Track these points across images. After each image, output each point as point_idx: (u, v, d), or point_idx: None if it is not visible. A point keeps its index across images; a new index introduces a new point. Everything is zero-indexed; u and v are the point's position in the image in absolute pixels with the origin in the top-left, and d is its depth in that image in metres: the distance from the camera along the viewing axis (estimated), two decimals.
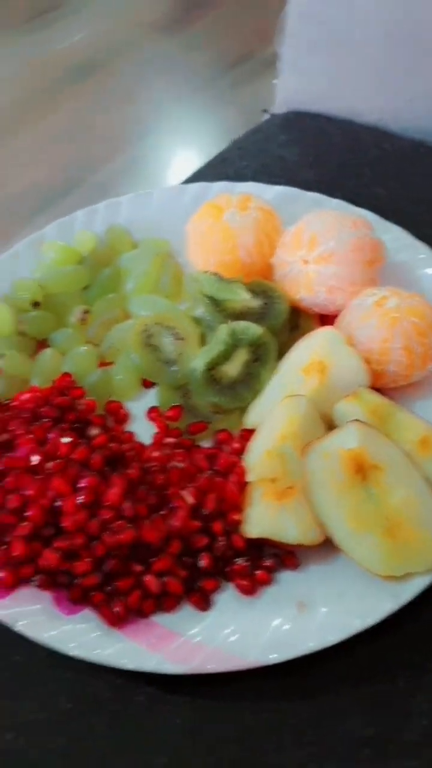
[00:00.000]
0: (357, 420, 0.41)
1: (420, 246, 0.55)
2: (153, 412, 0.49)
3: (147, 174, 1.54)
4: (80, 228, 0.60)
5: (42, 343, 0.54)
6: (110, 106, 1.68)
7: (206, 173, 0.71)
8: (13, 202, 1.44)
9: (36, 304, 0.54)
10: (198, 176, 0.71)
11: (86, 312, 0.54)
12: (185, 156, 1.62)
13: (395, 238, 0.55)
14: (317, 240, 0.48)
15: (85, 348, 0.52)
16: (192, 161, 1.59)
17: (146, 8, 2.00)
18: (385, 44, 0.69)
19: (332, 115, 0.75)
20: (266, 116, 0.81)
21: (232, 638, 0.39)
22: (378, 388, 0.46)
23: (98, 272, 0.57)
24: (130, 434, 0.48)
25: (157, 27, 1.93)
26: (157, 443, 0.47)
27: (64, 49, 1.86)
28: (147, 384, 0.51)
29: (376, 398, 0.44)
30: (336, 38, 0.71)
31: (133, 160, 1.55)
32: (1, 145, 1.57)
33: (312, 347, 0.47)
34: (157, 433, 0.48)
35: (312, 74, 0.75)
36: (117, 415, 0.49)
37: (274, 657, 0.38)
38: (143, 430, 0.48)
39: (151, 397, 0.50)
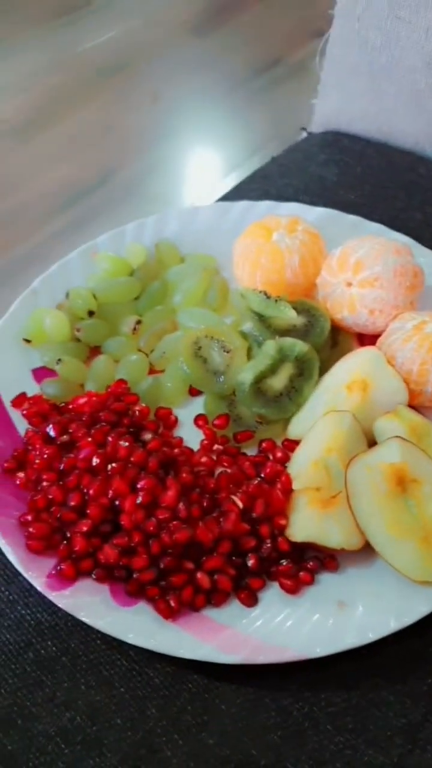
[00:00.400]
0: (398, 436, 0.44)
1: None
2: (200, 420, 0.53)
3: (172, 174, 1.56)
4: (130, 240, 0.63)
5: (95, 350, 0.57)
6: (138, 105, 1.70)
7: (248, 189, 0.74)
8: (42, 197, 1.47)
9: (91, 313, 0.57)
10: (239, 192, 0.74)
11: (139, 322, 0.57)
12: (209, 159, 1.65)
13: (430, 263, 0.58)
14: (363, 264, 0.51)
15: (137, 356, 0.56)
16: (218, 163, 1.62)
17: (177, 9, 2.02)
18: (425, 72, 0.72)
19: (370, 137, 0.78)
20: (304, 134, 0.84)
21: (278, 632, 0.42)
22: (415, 407, 0.50)
23: (148, 284, 0.60)
24: (180, 440, 0.51)
25: (187, 28, 1.96)
26: (206, 449, 0.51)
27: (93, 47, 1.88)
28: (194, 392, 0.55)
29: (415, 416, 0.47)
30: (377, 63, 0.74)
31: (159, 160, 1.58)
32: (30, 141, 1.60)
33: (356, 365, 0.50)
34: (205, 440, 0.51)
35: (351, 96, 0.78)
36: (167, 421, 0.53)
37: (316, 651, 0.41)
38: (190, 437, 0.52)
39: (198, 406, 0.54)
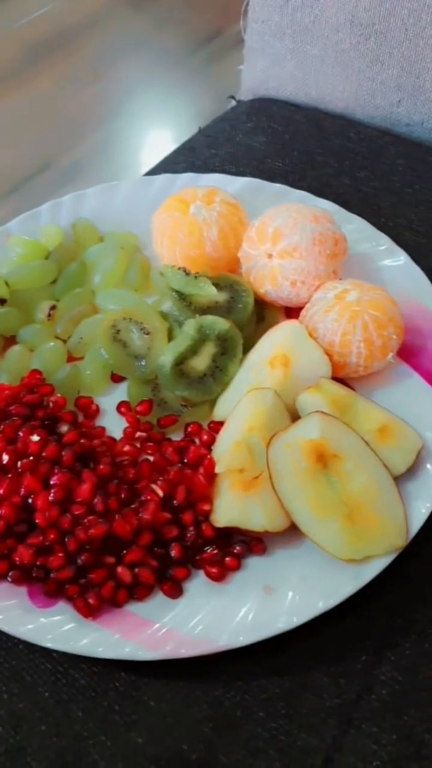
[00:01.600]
0: (318, 411, 0.43)
1: (381, 237, 0.56)
2: (123, 407, 0.50)
3: (116, 156, 1.52)
4: (46, 222, 0.60)
5: (10, 340, 0.54)
6: (76, 86, 1.64)
7: (173, 162, 0.71)
8: None
9: (3, 301, 0.54)
10: (165, 165, 0.71)
11: (53, 307, 0.54)
12: (156, 137, 1.60)
13: (357, 229, 0.56)
14: (281, 234, 0.49)
15: (53, 344, 0.53)
16: (162, 142, 1.57)
17: None
18: (351, 32, 0.69)
19: (299, 102, 0.76)
20: (232, 103, 0.81)
21: (203, 624, 0.40)
22: (340, 379, 0.48)
23: (65, 267, 0.57)
24: (101, 429, 0.49)
25: (124, 2, 1.89)
26: (128, 437, 0.48)
27: (24, 25, 1.81)
28: (116, 378, 0.52)
29: (338, 389, 0.46)
30: (300, 24, 0.71)
31: (101, 142, 1.53)
32: None
33: (276, 340, 0.48)
34: (128, 428, 0.49)
35: (277, 60, 0.75)
36: (87, 410, 0.50)
37: (242, 639, 0.39)
38: (114, 425, 0.49)
39: (121, 392, 0.51)
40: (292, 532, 0.43)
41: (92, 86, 1.65)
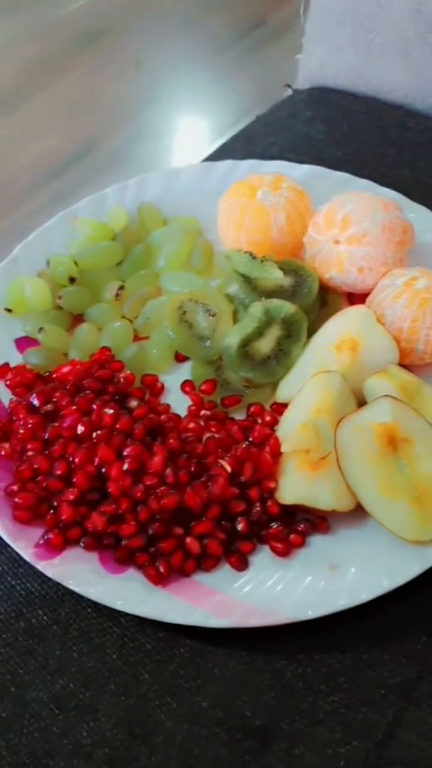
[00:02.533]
0: (388, 395, 0.43)
1: None
2: (187, 386, 0.51)
3: (156, 142, 1.53)
4: (111, 204, 0.61)
5: (78, 318, 0.55)
6: (121, 72, 1.65)
7: (232, 149, 0.72)
8: (21, 170, 1.44)
9: (72, 280, 0.56)
10: (223, 152, 0.72)
11: (121, 288, 0.55)
12: (198, 123, 1.61)
13: (421, 218, 0.57)
14: (350, 220, 0.50)
15: (120, 323, 0.54)
16: (205, 129, 1.58)
17: None
18: (411, 20, 0.69)
19: (357, 91, 0.76)
20: (289, 91, 0.81)
21: (269, 596, 0.42)
22: (406, 365, 0.49)
23: (130, 249, 0.58)
24: (167, 406, 0.50)
25: None
26: (193, 415, 0.50)
27: (72, 12, 1.82)
28: (180, 358, 0.53)
29: (405, 375, 0.46)
30: (362, 13, 0.71)
31: (144, 128, 1.54)
32: (12, 112, 1.56)
33: (344, 325, 0.49)
34: (192, 406, 0.50)
35: (337, 49, 0.75)
36: (153, 388, 0.52)
37: (310, 613, 0.41)
38: (178, 403, 0.51)
39: (185, 371, 0.53)
40: (356, 512, 0.43)
41: (134, 73, 1.66)
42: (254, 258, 0.53)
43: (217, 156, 0.71)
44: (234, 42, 1.73)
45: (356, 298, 0.53)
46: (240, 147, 0.71)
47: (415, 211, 0.57)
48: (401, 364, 0.48)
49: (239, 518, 0.44)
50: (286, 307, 0.51)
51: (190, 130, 1.60)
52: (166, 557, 0.43)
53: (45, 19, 1.79)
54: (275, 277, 0.52)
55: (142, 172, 1.55)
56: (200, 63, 1.69)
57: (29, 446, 0.46)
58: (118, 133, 1.54)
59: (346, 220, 0.50)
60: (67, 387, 0.48)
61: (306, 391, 0.47)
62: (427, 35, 0.68)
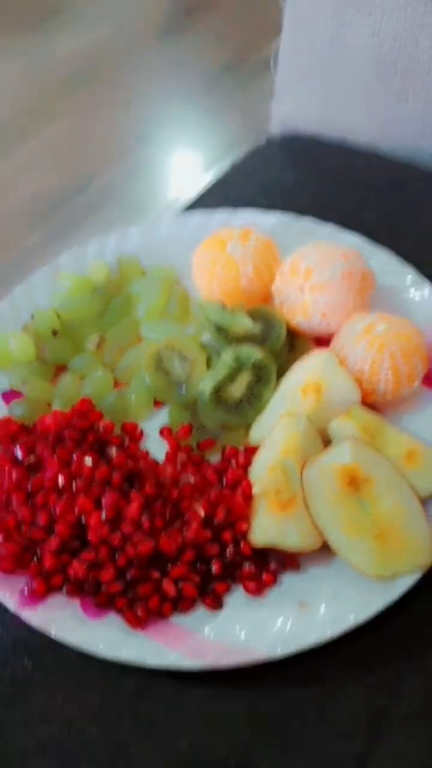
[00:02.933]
0: (350, 437, 0.46)
1: (407, 270, 0.59)
2: (165, 431, 0.54)
3: (147, 180, 1.57)
4: (92, 257, 0.65)
5: (60, 368, 0.58)
6: (111, 111, 1.71)
7: (208, 197, 0.75)
8: (17, 209, 1.49)
9: (55, 332, 0.59)
10: (200, 200, 0.75)
11: (102, 338, 0.58)
12: (188, 159, 1.66)
13: (384, 262, 0.59)
14: (312, 270, 0.53)
15: (102, 372, 0.57)
16: (195, 164, 1.63)
17: (144, 15, 2.03)
18: (375, 70, 0.73)
19: (326, 136, 0.79)
20: (263, 137, 0.85)
21: (243, 635, 0.44)
22: (369, 405, 0.51)
23: (111, 300, 0.61)
24: (145, 452, 0.53)
25: (155, 33, 1.96)
26: (170, 460, 0.52)
27: (64, 55, 1.89)
28: (158, 404, 0.56)
29: (367, 415, 0.49)
30: (328, 65, 0.75)
31: (136, 165, 1.59)
32: (4, 152, 1.61)
33: (309, 369, 0.51)
34: (170, 451, 0.53)
35: (306, 98, 0.79)
36: (132, 434, 0.54)
37: (279, 651, 0.42)
38: (156, 448, 0.53)
39: (163, 416, 0.55)
40: (325, 550, 0.45)
41: (124, 114, 1.72)
42: (225, 308, 0.56)
43: (195, 203, 0.74)
44: (221, 80, 1.80)
45: (324, 341, 0.56)
46: (216, 194, 0.75)
47: (378, 255, 0.60)
48: (365, 404, 0.50)
49: (213, 560, 0.46)
50: (255, 353, 0.53)
51: (180, 166, 1.65)
52: (143, 601, 0.45)
53: (39, 62, 1.86)
54: (244, 324, 0.55)
55: (135, 208, 1.59)
56: (189, 101, 1.75)
57: (13, 497, 0.48)
58: (110, 171, 1.59)
59: (308, 270, 0.53)
60: (49, 438, 0.51)
61: (275, 433, 0.49)
62: (387, 84, 0.72)
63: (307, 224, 0.64)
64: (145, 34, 1.94)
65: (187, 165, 1.63)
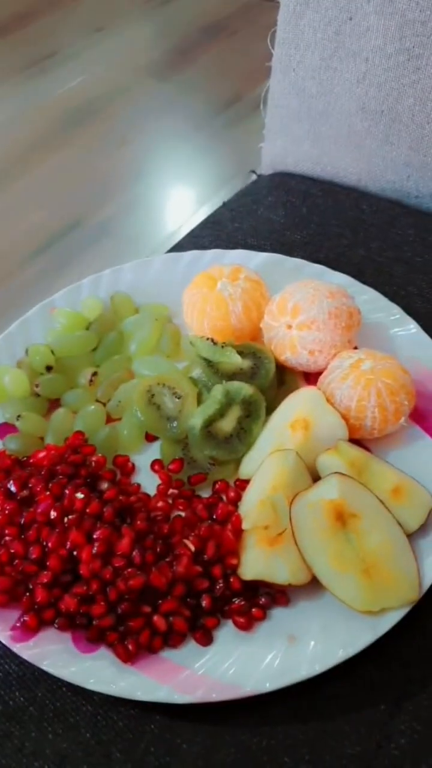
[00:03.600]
0: (337, 473, 0.47)
1: (393, 307, 0.61)
2: (156, 465, 0.55)
3: (142, 216, 1.61)
4: (86, 293, 0.66)
5: (54, 403, 0.59)
6: (107, 149, 1.76)
7: (200, 235, 0.77)
8: (15, 242, 1.51)
9: (49, 368, 0.60)
10: (192, 238, 0.77)
11: (95, 374, 0.60)
12: (182, 195, 1.70)
13: (371, 299, 0.62)
14: (300, 308, 0.54)
15: (94, 407, 0.58)
16: (188, 200, 1.67)
17: (138, 55, 2.10)
18: (360, 115, 0.76)
19: (315, 176, 0.82)
20: (254, 177, 0.88)
21: (232, 670, 0.44)
22: (356, 440, 0.52)
23: (104, 336, 0.63)
24: (137, 486, 0.54)
25: (150, 73, 2.03)
26: (161, 494, 0.53)
27: (61, 94, 1.95)
28: (150, 438, 0.57)
29: (354, 451, 0.50)
30: (315, 110, 0.79)
31: (130, 201, 1.63)
32: (2, 188, 1.65)
33: (297, 405, 0.52)
34: (161, 485, 0.53)
35: (294, 140, 0.82)
36: (124, 468, 0.55)
37: (268, 686, 0.43)
38: (148, 482, 0.54)
39: (155, 450, 0.56)
40: (314, 585, 0.46)
41: (120, 150, 1.77)
42: (215, 344, 0.57)
43: (186, 242, 0.76)
44: (212, 118, 1.85)
45: (312, 376, 0.57)
46: (208, 233, 0.77)
47: (365, 293, 0.62)
48: (352, 440, 0.52)
49: (203, 595, 0.47)
50: (245, 389, 0.55)
51: (173, 202, 1.69)
52: (134, 635, 0.45)
53: (35, 101, 1.92)
54: (234, 361, 0.57)
55: (129, 244, 1.62)
56: (182, 139, 1.80)
57: (6, 531, 0.49)
58: (104, 207, 1.62)
59: (296, 308, 0.55)
60: (42, 472, 0.52)
61: (264, 468, 0.50)
62: (373, 129, 0.75)
63: (296, 262, 0.66)
64: (139, 75, 2.01)
65: (180, 201, 1.68)
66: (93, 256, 1.45)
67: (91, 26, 2.20)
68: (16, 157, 1.74)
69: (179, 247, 0.75)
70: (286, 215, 0.77)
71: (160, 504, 0.51)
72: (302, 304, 0.54)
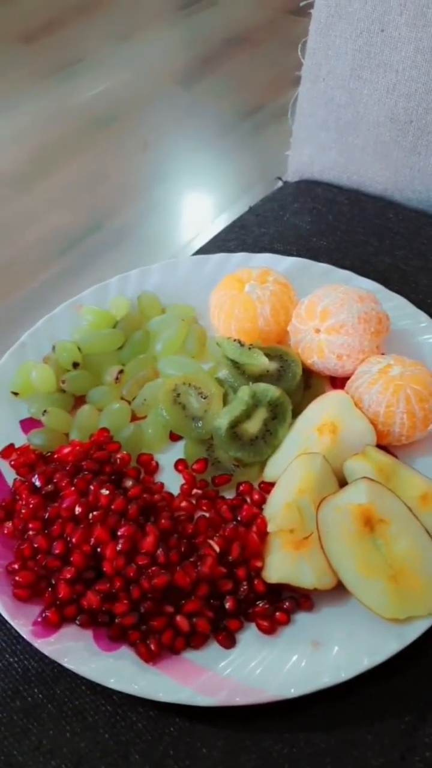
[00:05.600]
0: (365, 477, 0.46)
1: (421, 314, 0.61)
2: (180, 464, 0.55)
3: (162, 220, 1.62)
4: (114, 293, 0.67)
5: (80, 399, 0.59)
6: (130, 153, 1.78)
7: (225, 239, 0.77)
8: (39, 244, 1.53)
9: (76, 365, 0.60)
10: (217, 242, 0.77)
11: (121, 371, 0.60)
12: (202, 200, 1.71)
13: (398, 306, 0.61)
14: (329, 312, 0.54)
15: (119, 404, 0.58)
16: (209, 206, 1.68)
17: (164, 62, 2.12)
18: (388, 125, 0.76)
19: (341, 184, 0.82)
20: (279, 184, 0.89)
21: (255, 673, 0.43)
22: (384, 446, 0.52)
23: (130, 335, 0.63)
24: (160, 485, 0.53)
25: (174, 79, 2.05)
26: (185, 494, 0.53)
27: (86, 100, 1.98)
28: (174, 438, 0.57)
29: (382, 456, 0.49)
30: (344, 119, 0.79)
31: (151, 205, 1.64)
32: (27, 190, 1.67)
33: (325, 408, 0.52)
34: (185, 484, 0.53)
35: (322, 149, 0.82)
36: (148, 466, 0.55)
37: (293, 691, 0.42)
38: (171, 481, 0.54)
39: (179, 450, 0.56)
40: (339, 590, 0.46)
41: (142, 155, 1.78)
42: (242, 345, 0.57)
43: (211, 246, 0.76)
44: (236, 125, 1.87)
45: (338, 380, 0.57)
46: (234, 237, 0.77)
47: (392, 300, 0.62)
48: (380, 446, 0.51)
49: (227, 597, 0.46)
50: (271, 391, 0.55)
51: (194, 208, 1.70)
52: (156, 635, 0.45)
53: (61, 105, 1.95)
54: (261, 363, 0.56)
55: (149, 247, 1.63)
56: (204, 144, 1.82)
57: (30, 525, 0.49)
58: (126, 210, 1.64)
59: (325, 312, 0.54)
60: (67, 468, 0.52)
61: (290, 471, 0.50)
62: (401, 139, 0.75)
63: (323, 267, 0.66)
64: (163, 81, 2.03)
65: (201, 207, 1.69)
66: (113, 260, 1.46)
67: (118, 34, 2.23)
68: (41, 160, 1.76)
69: (205, 250, 0.75)
70: (312, 222, 0.77)
71: (183, 504, 0.51)
72: (332, 307, 0.54)
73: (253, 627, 0.46)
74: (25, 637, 0.45)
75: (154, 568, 0.46)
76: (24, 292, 1.42)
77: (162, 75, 2.07)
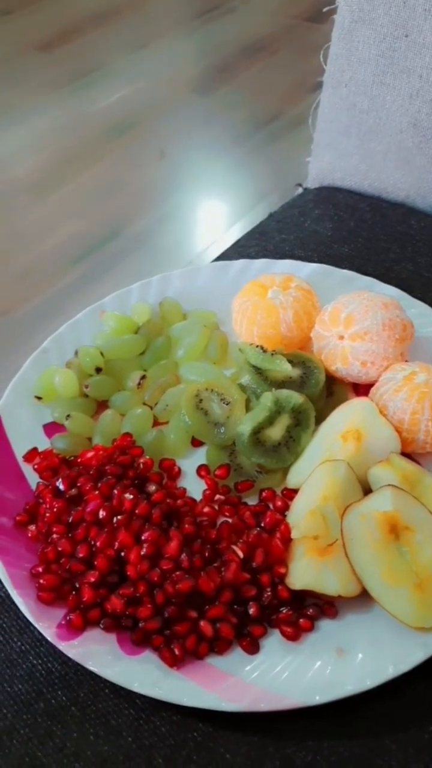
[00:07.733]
0: (391, 485, 0.46)
1: None
2: (202, 470, 0.55)
3: (181, 226, 1.63)
4: (135, 299, 0.67)
5: (102, 404, 0.60)
6: (146, 161, 1.79)
7: (246, 245, 0.78)
8: (56, 251, 1.54)
9: (98, 370, 0.60)
10: (238, 248, 0.78)
11: (143, 377, 0.60)
12: (217, 210, 1.71)
13: (421, 314, 0.61)
14: (353, 319, 0.54)
15: (142, 409, 0.58)
16: (224, 214, 1.69)
17: (180, 70, 2.14)
18: (411, 132, 0.76)
19: (363, 191, 0.83)
20: (300, 190, 0.89)
21: (279, 680, 0.43)
22: (408, 454, 0.52)
23: (152, 340, 0.63)
24: (183, 490, 0.54)
25: (191, 88, 2.07)
26: (208, 499, 0.53)
27: (103, 108, 2.00)
28: (196, 443, 0.57)
29: (407, 464, 0.49)
30: (365, 125, 0.79)
31: (167, 213, 1.65)
32: (44, 198, 1.69)
33: (349, 416, 0.52)
34: (207, 490, 0.53)
35: (343, 155, 0.83)
36: (170, 471, 0.55)
37: (318, 699, 0.42)
38: (193, 487, 0.54)
39: (201, 456, 0.56)
40: (363, 597, 0.45)
41: (159, 163, 1.80)
42: (265, 351, 0.57)
43: (232, 252, 0.77)
44: (252, 134, 1.87)
45: (361, 387, 0.57)
46: (254, 243, 0.78)
47: (415, 307, 0.62)
48: (403, 453, 0.51)
49: (251, 602, 0.46)
50: (295, 398, 0.55)
51: (210, 216, 1.70)
52: (180, 640, 0.45)
53: (79, 114, 1.97)
54: (284, 369, 0.56)
55: (165, 255, 1.64)
56: (220, 153, 1.83)
57: (54, 529, 0.49)
58: (143, 218, 1.65)
59: (349, 318, 0.54)
60: (91, 472, 0.52)
61: (314, 478, 0.50)
62: (424, 145, 0.75)
63: (346, 274, 0.66)
64: (179, 89, 2.05)
65: (217, 214, 1.69)
66: (130, 267, 1.47)
67: (134, 43, 2.25)
68: (58, 167, 1.78)
69: (225, 256, 0.76)
70: (333, 228, 0.77)
71: (206, 509, 0.51)
72: (356, 314, 0.54)
73: (276, 633, 0.46)
74: (49, 639, 0.45)
75: (178, 573, 0.46)
76: (41, 299, 1.44)
77: (178, 83, 2.09)
